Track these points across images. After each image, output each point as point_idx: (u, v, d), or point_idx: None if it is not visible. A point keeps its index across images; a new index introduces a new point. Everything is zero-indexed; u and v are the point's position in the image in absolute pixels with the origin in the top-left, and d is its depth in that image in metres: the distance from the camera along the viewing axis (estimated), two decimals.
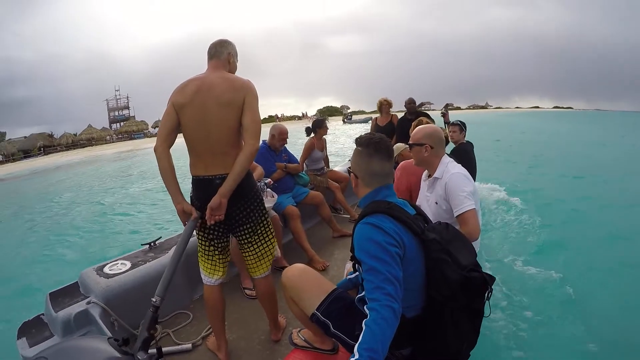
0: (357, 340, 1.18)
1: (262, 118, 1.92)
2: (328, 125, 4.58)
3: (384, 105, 5.33)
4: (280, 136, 3.52)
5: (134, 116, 72.43)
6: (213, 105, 1.75)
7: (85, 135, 60.79)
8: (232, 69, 1.96)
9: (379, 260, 1.27)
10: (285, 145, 3.68)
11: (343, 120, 51.42)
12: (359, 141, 1.55)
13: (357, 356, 1.13)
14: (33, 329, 2.09)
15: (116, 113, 72.56)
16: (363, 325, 1.20)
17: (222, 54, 1.91)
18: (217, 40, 1.96)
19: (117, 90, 73.99)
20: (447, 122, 4.19)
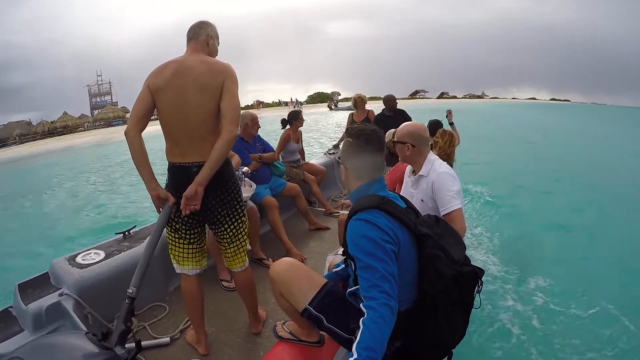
0: (351, 333, 1.22)
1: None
2: (305, 115, 4.68)
3: (359, 102, 5.52)
4: (254, 122, 3.58)
5: (116, 102, 71.31)
6: (191, 88, 1.73)
7: (60, 123, 59.26)
8: (212, 51, 1.94)
9: (374, 258, 1.28)
10: (259, 134, 3.74)
11: (330, 107, 51.02)
12: (351, 133, 1.55)
13: (355, 355, 1.16)
14: (1, 323, 2.05)
15: (98, 99, 71.21)
16: (360, 323, 1.22)
17: (200, 35, 1.89)
18: (197, 22, 1.94)
19: (99, 76, 72.20)
20: (451, 123, 4.29)
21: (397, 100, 5.14)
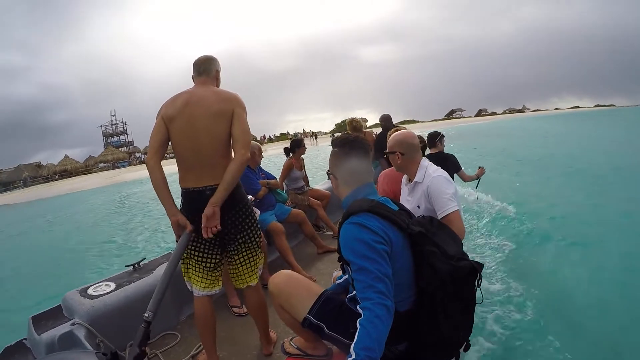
0: (353, 339, 1.29)
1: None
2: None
3: (352, 127, 5.80)
4: (260, 152, 3.95)
5: (131, 141, 74.21)
6: (202, 116, 1.96)
7: (60, 167, 61.65)
8: (219, 84, 2.20)
9: (367, 259, 1.38)
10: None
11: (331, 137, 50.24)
12: (335, 142, 1.71)
13: (353, 356, 1.23)
14: (15, 354, 2.22)
15: (113, 139, 74.23)
16: (357, 324, 1.30)
17: (211, 71, 2.16)
18: (204, 57, 2.19)
19: (112, 115, 75.28)
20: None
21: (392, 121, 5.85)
